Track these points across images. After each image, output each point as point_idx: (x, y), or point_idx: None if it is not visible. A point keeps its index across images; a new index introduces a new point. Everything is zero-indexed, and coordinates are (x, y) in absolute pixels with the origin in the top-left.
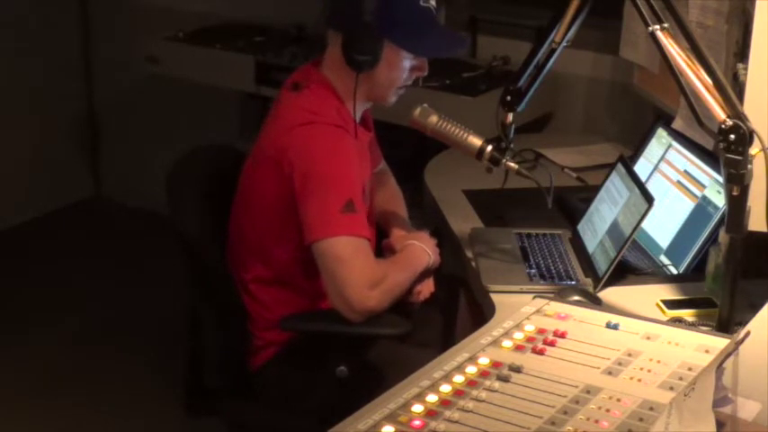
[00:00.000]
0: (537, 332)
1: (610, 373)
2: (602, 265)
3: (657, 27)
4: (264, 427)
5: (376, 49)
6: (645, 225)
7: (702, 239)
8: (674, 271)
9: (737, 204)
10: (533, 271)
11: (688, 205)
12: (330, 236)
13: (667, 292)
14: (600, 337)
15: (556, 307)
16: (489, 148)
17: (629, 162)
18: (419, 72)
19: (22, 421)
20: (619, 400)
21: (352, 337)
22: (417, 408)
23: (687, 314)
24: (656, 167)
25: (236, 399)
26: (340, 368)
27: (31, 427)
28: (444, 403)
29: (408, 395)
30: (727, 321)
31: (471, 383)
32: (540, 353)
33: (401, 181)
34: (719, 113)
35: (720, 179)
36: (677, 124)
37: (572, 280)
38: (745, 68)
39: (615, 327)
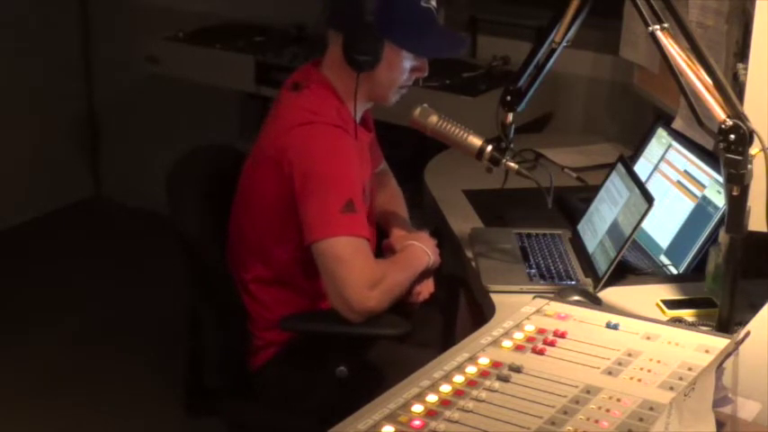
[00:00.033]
0: (537, 332)
1: (610, 373)
2: (602, 265)
3: (657, 27)
4: (264, 427)
5: (376, 49)
6: (645, 225)
7: (702, 239)
8: (674, 271)
9: (737, 204)
10: (533, 271)
11: (688, 205)
12: (330, 236)
13: (667, 292)
14: (600, 337)
15: (556, 307)
16: (489, 148)
17: (629, 162)
18: (419, 72)
19: (22, 421)
20: (619, 400)
21: (351, 338)
22: (417, 408)
23: (687, 314)
24: (656, 167)
25: (236, 399)
26: (340, 368)
27: (31, 427)
28: (444, 403)
29: (408, 395)
30: (727, 321)
31: (471, 383)
32: (540, 353)
33: (401, 181)
34: (719, 113)
35: (720, 179)
36: (677, 124)
37: (572, 280)
38: (745, 68)
39: (615, 327)
